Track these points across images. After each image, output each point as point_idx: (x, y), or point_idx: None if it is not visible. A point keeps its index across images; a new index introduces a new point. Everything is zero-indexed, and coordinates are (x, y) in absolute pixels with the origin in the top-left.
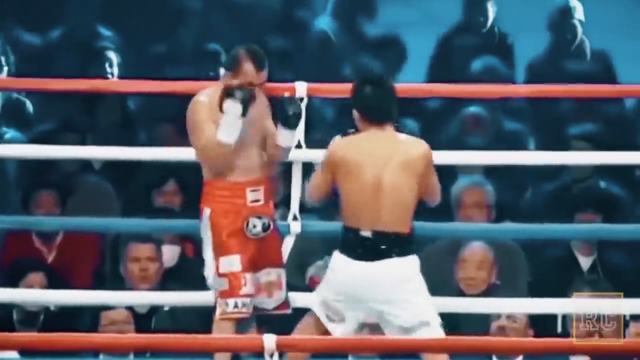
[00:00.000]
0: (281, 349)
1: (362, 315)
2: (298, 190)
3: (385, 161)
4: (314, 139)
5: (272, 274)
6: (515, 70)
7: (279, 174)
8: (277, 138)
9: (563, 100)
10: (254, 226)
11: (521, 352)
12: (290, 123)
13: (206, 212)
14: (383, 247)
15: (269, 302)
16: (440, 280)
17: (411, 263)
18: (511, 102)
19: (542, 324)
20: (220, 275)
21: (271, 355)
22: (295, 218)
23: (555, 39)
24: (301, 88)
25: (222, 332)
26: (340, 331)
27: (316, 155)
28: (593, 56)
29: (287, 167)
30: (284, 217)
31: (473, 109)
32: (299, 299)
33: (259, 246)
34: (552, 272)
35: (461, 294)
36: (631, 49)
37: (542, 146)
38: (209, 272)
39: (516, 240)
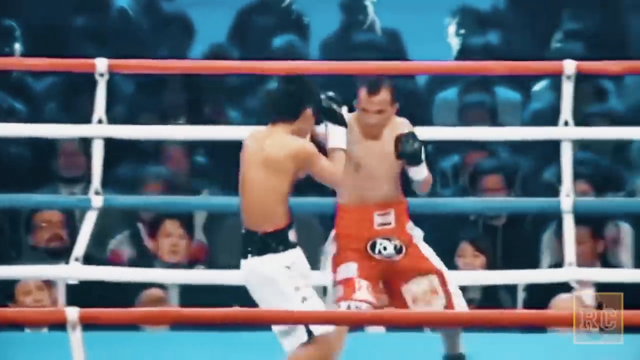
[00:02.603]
0: (84, 322)
1: None
2: (99, 166)
3: (252, 160)
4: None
5: (424, 283)
6: (310, 48)
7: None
8: (410, 174)
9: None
10: (384, 248)
11: None
12: (412, 160)
13: (332, 233)
14: (248, 245)
15: None
16: None
17: (269, 263)
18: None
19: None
20: (337, 283)
21: (74, 328)
22: (97, 192)
23: (347, 19)
24: (102, 64)
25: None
26: None
27: (117, 131)
28: (384, 35)
29: (88, 142)
30: (86, 192)
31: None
32: None
33: (396, 266)
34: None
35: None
36: (419, 28)
37: None
38: (330, 287)
39: None
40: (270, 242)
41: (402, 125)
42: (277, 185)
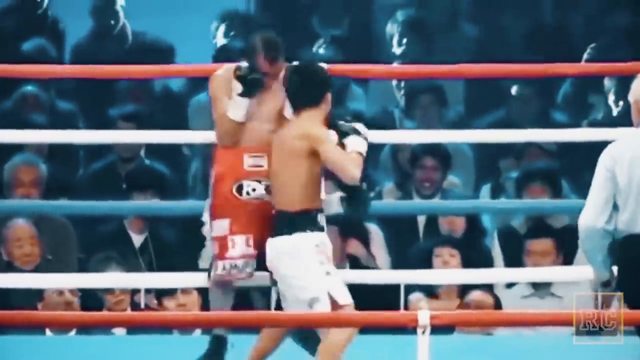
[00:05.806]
0: None
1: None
2: None
3: (277, 146)
4: None
5: None
6: (64, 52)
7: None
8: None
9: (111, 82)
10: (253, 189)
11: None
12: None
13: (211, 177)
14: (277, 224)
15: None
16: None
17: (297, 240)
18: (62, 83)
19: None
20: (212, 238)
21: None
22: None
23: (98, 24)
24: None
25: (214, 297)
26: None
27: None
28: (134, 38)
29: None
30: None
31: (30, 88)
32: None
33: (268, 213)
34: (104, 248)
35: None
36: (178, 30)
37: (91, 126)
38: (208, 236)
39: (68, 216)
40: (299, 221)
41: None
42: (295, 168)
